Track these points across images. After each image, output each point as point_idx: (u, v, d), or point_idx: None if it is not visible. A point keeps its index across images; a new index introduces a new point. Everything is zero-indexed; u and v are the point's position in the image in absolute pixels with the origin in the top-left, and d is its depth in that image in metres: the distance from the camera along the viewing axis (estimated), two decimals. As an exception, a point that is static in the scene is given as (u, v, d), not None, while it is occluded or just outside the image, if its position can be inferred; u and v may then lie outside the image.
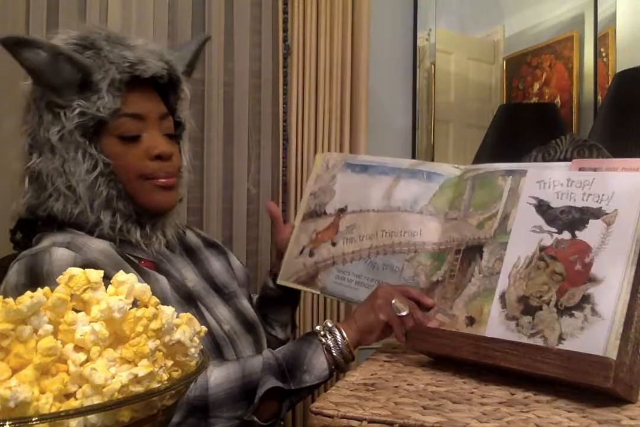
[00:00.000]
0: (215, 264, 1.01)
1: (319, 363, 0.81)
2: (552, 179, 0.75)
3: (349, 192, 0.76)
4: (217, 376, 0.79)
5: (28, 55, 0.80)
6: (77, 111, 0.82)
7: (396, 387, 0.69)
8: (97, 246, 0.83)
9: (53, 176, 0.84)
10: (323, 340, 0.82)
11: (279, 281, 1.01)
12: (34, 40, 0.81)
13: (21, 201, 0.88)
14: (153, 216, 0.90)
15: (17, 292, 0.76)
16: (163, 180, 0.88)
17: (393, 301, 0.82)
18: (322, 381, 0.81)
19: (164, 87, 0.91)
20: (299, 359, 0.81)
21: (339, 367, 0.83)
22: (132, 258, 0.85)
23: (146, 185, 0.88)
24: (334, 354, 0.82)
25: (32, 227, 0.88)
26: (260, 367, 0.79)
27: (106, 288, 0.46)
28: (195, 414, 0.76)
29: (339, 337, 0.82)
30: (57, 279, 0.44)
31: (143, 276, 0.83)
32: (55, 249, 0.80)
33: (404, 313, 0.81)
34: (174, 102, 0.94)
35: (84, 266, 0.77)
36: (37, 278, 0.78)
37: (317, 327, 0.84)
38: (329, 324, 0.84)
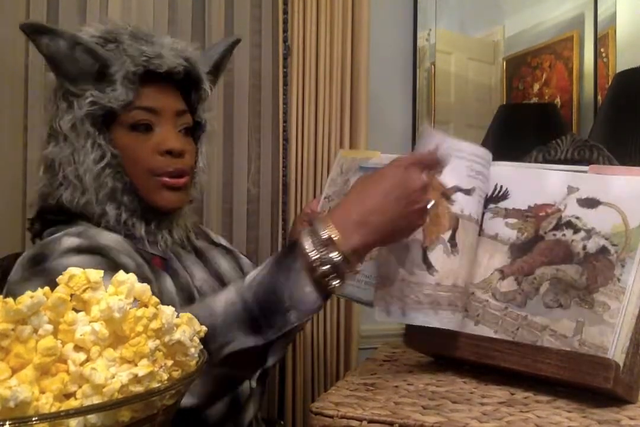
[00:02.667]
0: (223, 263, 1.01)
1: (305, 295, 0.64)
2: None
3: None
4: None
5: (46, 43, 0.81)
6: (88, 100, 0.83)
7: (396, 387, 0.69)
8: (110, 237, 0.82)
9: (64, 165, 0.84)
10: (312, 257, 0.64)
11: None
12: (53, 29, 0.82)
13: (37, 189, 0.88)
14: (159, 214, 0.89)
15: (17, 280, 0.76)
16: (170, 180, 0.86)
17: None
18: (314, 312, 0.66)
19: (186, 85, 0.91)
20: (276, 294, 0.64)
21: (331, 290, 0.65)
22: (144, 254, 0.85)
23: (153, 182, 0.86)
24: (328, 278, 0.64)
25: (46, 218, 0.88)
26: (223, 314, 0.65)
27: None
28: None
29: (334, 257, 0.63)
30: (57, 279, 0.43)
31: (154, 273, 0.83)
32: (67, 237, 0.79)
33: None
34: (196, 102, 0.93)
35: (91, 250, 0.77)
36: (37, 263, 0.76)
37: (305, 243, 0.65)
38: (323, 236, 0.64)
